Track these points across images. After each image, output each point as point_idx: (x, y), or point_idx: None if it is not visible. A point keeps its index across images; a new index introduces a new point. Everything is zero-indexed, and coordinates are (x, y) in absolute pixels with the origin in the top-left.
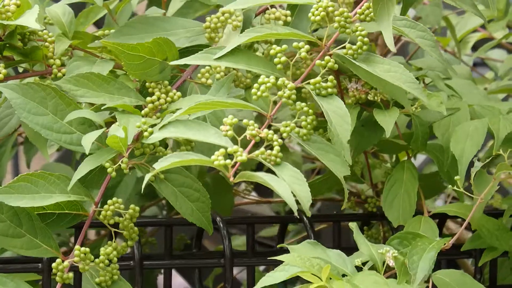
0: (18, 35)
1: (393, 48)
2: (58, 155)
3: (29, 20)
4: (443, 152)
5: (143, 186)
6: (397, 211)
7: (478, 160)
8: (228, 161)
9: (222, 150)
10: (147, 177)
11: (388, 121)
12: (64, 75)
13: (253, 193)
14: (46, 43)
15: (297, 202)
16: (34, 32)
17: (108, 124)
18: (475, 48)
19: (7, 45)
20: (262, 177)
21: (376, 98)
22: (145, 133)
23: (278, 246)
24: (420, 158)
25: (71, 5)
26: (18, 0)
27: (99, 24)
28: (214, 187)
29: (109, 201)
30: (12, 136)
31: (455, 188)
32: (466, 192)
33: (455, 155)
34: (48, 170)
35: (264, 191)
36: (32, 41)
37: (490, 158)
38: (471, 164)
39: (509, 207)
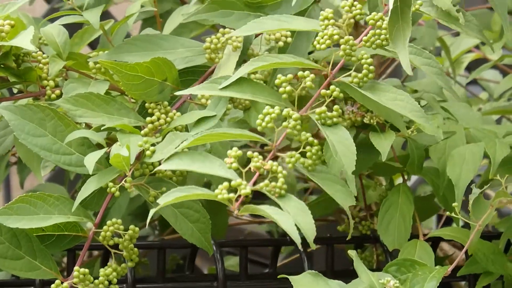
0: (13, 56)
1: (409, 72)
2: (50, 174)
3: (24, 41)
4: (439, 175)
5: (149, 215)
6: (393, 234)
7: (473, 183)
8: (231, 194)
9: (225, 183)
10: (151, 212)
11: (384, 144)
12: (58, 96)
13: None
14: (40, 64)
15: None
16: (28, 53)
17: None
18: (468, 68)
19: (1, 66)
20: (265, 210)
21: (372, 121)
22: (147, 152)
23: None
24: (413, 178)
25: (66, 25)
26: (13, 20)
27: (93, 45)
28: (208, 208)
29: (108, 222)
30: (6, 157)
31: (452, 214)
32: (462, 218)
33: (452, 179)
34: (42, 190)
35: None
36: (26, 62)
37: (489, 185)
38: (469, 189)
39: (506, 232)
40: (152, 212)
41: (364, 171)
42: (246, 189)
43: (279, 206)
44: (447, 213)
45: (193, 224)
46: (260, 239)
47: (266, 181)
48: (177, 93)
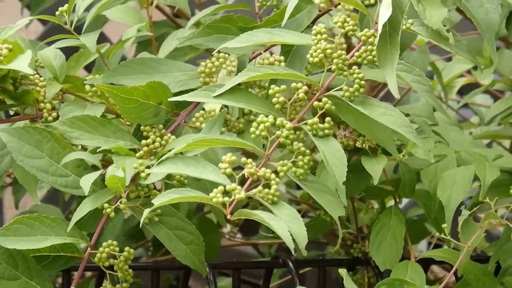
0: (10, 79)
1: (397, 95)
2: (45, 195)
3: (22, 65)
4: (431, 198)
5: (141, 222)
6: (384, 255)
7: (464, 206)
8: (226, 198)
9: (220, 188)
10: (145, 213)
11: (376, 168)
12: (54, 118)
13: (238, 235)
14: (37, 87)
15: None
16: (26, 76)
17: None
18: (460, 92)
19: None
20: (259, 215)
21: (364, 145)
22: (142, 174)
23: None
24: (404, 201)
25: (62, 48)
26: (10, 44)
27: (89, 68)
28: (201, 229)
29: (104, 244)
30: (1, 178)
31: (442, 236)
32: (453, 240)
33: (442, 202)
34: (37, 211)
35: (249, 232)
36: (23, 85)
37: (478, 207)
38: (459, 211)
39: (495, 254)
40: (145, 213)
41: (356, 194)
42: (240, 194)
43: (272, 213)
44: (437, 234)
45: (187, 246)
46: (253, 261)
47: (260, 188)
48: (171, 99)
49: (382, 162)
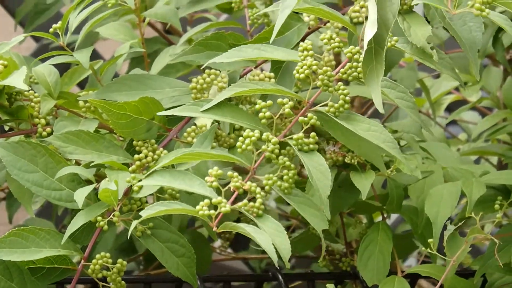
0: (5, 94)
1: (381, 110)
2: (38, 209)
3: (16, 81)
4: (418, 214)
5: (129, 233)
6: (372, 270)
7: (450, 221)
8: (212, 211)
9: (206, 200)
10: (134, 224)
11: (364, 183)
12: (48, 133)
13: (229, 249)
14: (32, 103)
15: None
16: (21, 92)
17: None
18: (448, 109)
19: None
20: (244, 228)
21: (352, 161)
22: (135, 188)
23: None
24: (393, 216)
25: (56, 65)
26: (5, 61)
27: (82, 84)
28: (192, 244)
29: (97, 256)
30: None
31: (428, 250)
32: (439, 255)
33: (430, 217)
34: (30, 225)
35: (239, 247)
36: (18, 100)
37: (463, 222)
38: (445, 226)
39: (480, 268)
40: (133, 224)
41: (345, 209)
42: (226, 207)
43: (256, 226)
44: (423, 248)
45: (178, 258)
46: (243, 274)
47: (245, 201)
48: (160, 113)
49: (371, 177)
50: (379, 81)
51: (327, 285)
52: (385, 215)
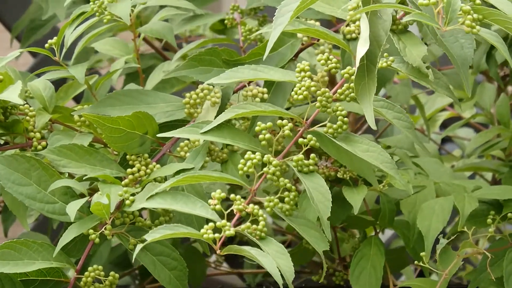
0: (1, 108)
1: (373, 126)
2: (34, 224)
3: (12, 95)
4: (410, 228)
5: (134, 257)
6: (364, 285)
7: (444, 236)
8: (217, 235)
9: (211, 224)
10: (138, 248)
11: (356, 198)
12: (43, 147)
13: (224, 264)
14: (27, 117)
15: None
16: (16, 106)
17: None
18: (444, 126)
19: None
20: (249, 251)
21: (345, 175)
22: (127, 201)
23: None
24: (388, 232)
25: (52, 80)
26: (1, 75)
27: (77, 98)
28: (187, 258)
29: (89, 268)
30: None
31: (420, 263)
32: (431, 268)
33: (422, 232)
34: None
35: (234, 262)
36: (13, 114)
37: (457, 236)
38: (437, 240)
39: (473, 281)
40: (138, 248)
41: (338, 224)
42: (230, 230)
43: (259, 248)
44: (415, 262)
45: (171, 272)
46: (237, 287)
47: (248, 224)
48: (159, 135)
49: (363, 192)
50: (371, 98)
51: None
52: (378, 230)
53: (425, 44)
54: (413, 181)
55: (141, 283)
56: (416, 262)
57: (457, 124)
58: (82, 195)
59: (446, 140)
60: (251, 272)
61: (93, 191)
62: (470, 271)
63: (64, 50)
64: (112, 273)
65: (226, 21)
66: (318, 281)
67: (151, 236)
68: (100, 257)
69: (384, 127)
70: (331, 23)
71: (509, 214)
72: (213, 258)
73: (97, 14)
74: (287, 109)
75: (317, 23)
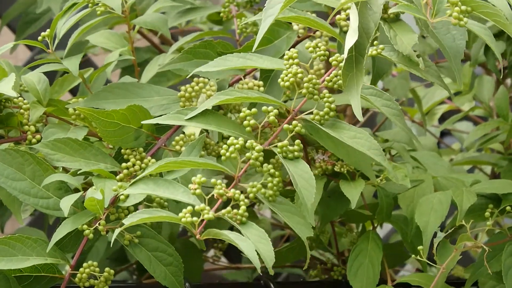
0: None
1: (360, 118)
2: (31, 219)
3: (5, 87)
4: (408, 223)
5: (111, 241)
6: (361, 280)
7: (441, 230)
8: (195, 218)
9: (189, 208)
10: (116, 232)
11: (354, 192)
12: (38, 141)
13: (222, 259)
14: (21, 110)
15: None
16: (10, 99)
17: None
18: (442, 119)
19: None
20: (227, 235)
21: (342, 169)
22: (121, 197)
23: None
24: (387, 227)
25: (46, 73)
26: None
27: (74, 91)
28: (184, 253)
29: (84, 264)
30: None
31: (418, 258)
32: (429, 262)
33: (420, 227)
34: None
35: (232, 256)
36: (7, 108)
37: (453, 229)
38: (435, 235)
39: (472, 275)
40: (116, 232)
41: (335, 219)
42: (209, 214)
43: (240, 233)
44: (412, 256)
45: (166, 267)
46: (234, 282)
47: (228, 208)
48: (144, 122)
49: (360, 186)
50: (359, 89)
51: None
52: (375, 225)
53: (423, 36)
54: (411, 175)
55: (138, 278)
56: (413, 256)
57: (455, 117)
58: (76, 190)
59: (445, 133)
60: (249, 267)
61: (87, 185)
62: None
63: (56, 42)
64: (107, 269)
65: (222, 14)
66: (316, 275)
67: (129, 220)
68: (96, 252)
69: (382, 120)
70: (327, 15)
71: (507, 208)
72: (211, 253)
73: (89, 5)
74: (284, 102)
75: (313, 15)
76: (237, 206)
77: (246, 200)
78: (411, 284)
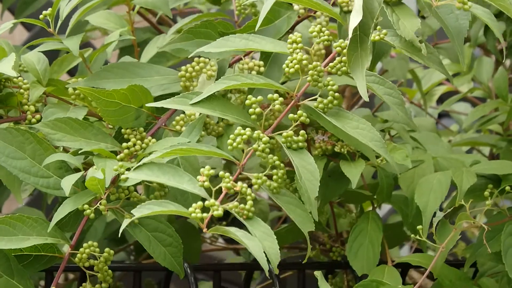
0: None
1: (366, 98)
2: (29, 199)
3: (5, 67)
4: (408, 203)
5: (120, 230)
6: (362, 260)
7: (441, 210)
8: (205, 214)
9: (199, 203)
10: (125, 223)
11: (354, 172)
12: (38, 120)
13: (220, 240)
14: (21, 90)
15: None
16: (9, 79)
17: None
18: (441, 100)
19: None
20: (235, 233)
21: (342, 150)
22: (122, 176)
23: None
24: (385, 208)
25: (46, 53)
26: None
27: (72, 72)
28: (182, 234)
29: (84, 244)
30: None
31: (417, 237)
32: (428, 241)
33: (420, 207)
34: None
35: (230, 238)
36: (7, 87)
37: (452, 208)
38: (435, 215)
39: (471, 256)
40: (125, 223)
41: (335, 199)
42: (218, 210)
43: (246, 228)
44: (412, 236)
45: (165, 248)
46: (233, 263)
47: (235, 203)
48: (148, 104)
49: (360, 166)
50: (364, 69)
51: (315, 272)
52: (375, 205)
53: (422, 17)
54: (411, 156)
55: (136, 258)
56: (412, 236)
57: (454, 98)
58: (77, 170)
59: (443, 115)
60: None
61: (88, 165)
62: (464, 247)
63: (59, 22)
64: (107, 249)
65: None
66: (314, 256)
67: (139, 211)
68: (95, 232)
69: (381, 101)
70: None
71: (507, 188)
72: (208, 234)
73: None
74: (283, 83)
75: None
76: (244, 200)
77: (253, 195)
78: (411, 264)
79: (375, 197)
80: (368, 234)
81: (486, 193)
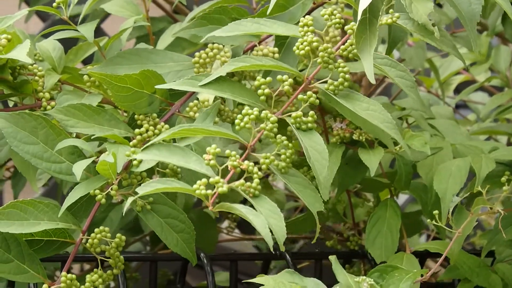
0: (9, 69)
1: (372, 80)
2: (45, 190)
3: (20, 54)
4: (427, 191)
5: (124, 210)
6: (380, 248)
7: (458, 196)
8: (209, 191)
9: (204, 180)
10: (129, 201)
11: (372, 160)
12: (52, 108)
13: (236, 230)
14: (36, 77)
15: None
16: (24, 66)
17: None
18: (458, 90)
19: None
20: (240, 209)
21: (361, 137)
22: (134, 162)
23: (258, 276)
24: (403, 197)
25: (61, 40)
26: (9, 35)
27: (87, 62)
28: (198, 223)
29: (96, 230)
30: (1, 170)
31: (435, 223)
32: (446, 228)
33: (439, 194)
34: None
35: (247, 228)
36: (22, 75)
37: (468, 193)
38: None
39: (488, 243)
40: (129, 201)
41: (352, 188)
42: (223, 187)
43: (252, 206)
44: (429, 220)
45: (178, 234)
46: (250, 253)
47: (242, 181)
48: (157, 86)
49: (379, 154)
50: (372, 52)
51: (330, 257)
52: (393, 193)
53: (439, 5)
54: (430, 143)
55: (152, 249)
56: (429, 221)
57: (472, 87)
58: (89, 156)
59: (460, 105)
60: (262, 238)
61: (101, 153)
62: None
63: (71, 7)
64: (118, 235)
65: None
66: (331, 246)
67: (143, 189)
68: (110, 222)
69: (399, 89)
70: None
71: None
72: (225, 224)
73: None
74: (300, 71)
75: None
76: (250, 179)
77: (259, 173)
78: (429, 254)
79: (393, 185)
80: (387, 221)
81: (503, 179)
